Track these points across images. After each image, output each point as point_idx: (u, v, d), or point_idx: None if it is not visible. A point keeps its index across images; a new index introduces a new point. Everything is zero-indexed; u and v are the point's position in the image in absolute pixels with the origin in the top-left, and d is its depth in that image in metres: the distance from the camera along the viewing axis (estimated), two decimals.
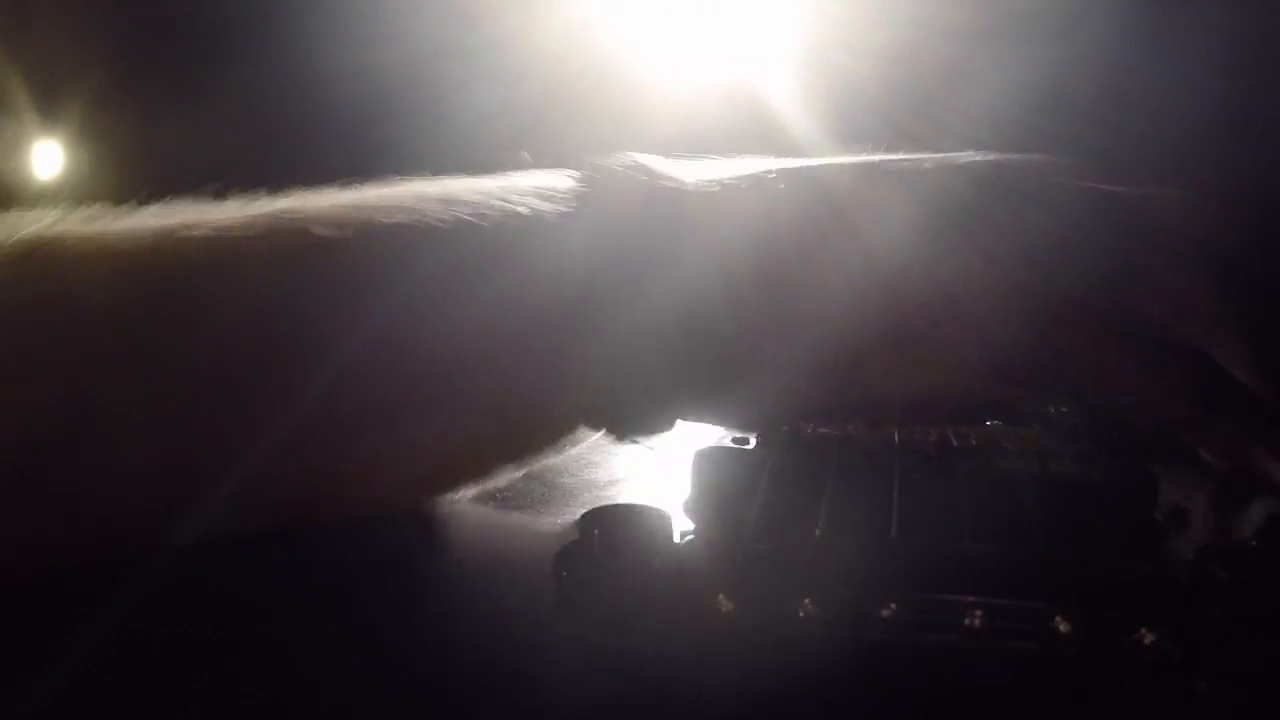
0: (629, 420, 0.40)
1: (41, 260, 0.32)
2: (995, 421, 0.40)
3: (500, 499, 0.41)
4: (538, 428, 0.41)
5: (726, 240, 0.40)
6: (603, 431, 0.41)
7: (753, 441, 0.35)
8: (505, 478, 0.43)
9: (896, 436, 0.36)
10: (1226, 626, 0.22)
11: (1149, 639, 0.22)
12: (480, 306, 0.35)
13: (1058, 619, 0.23)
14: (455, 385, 0.36)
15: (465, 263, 0.36)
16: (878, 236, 0.43)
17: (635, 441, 0.42)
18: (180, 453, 0.32)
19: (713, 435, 0.37)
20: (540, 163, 0.42)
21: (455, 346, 0.35)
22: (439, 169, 0.39)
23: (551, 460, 0.45)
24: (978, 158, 0.45)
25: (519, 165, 0.38)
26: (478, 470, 0.40)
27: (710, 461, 0.34)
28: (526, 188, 0.38)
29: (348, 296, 0.34)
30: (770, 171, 0.42)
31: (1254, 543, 0.28)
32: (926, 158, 0.45)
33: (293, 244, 0.34)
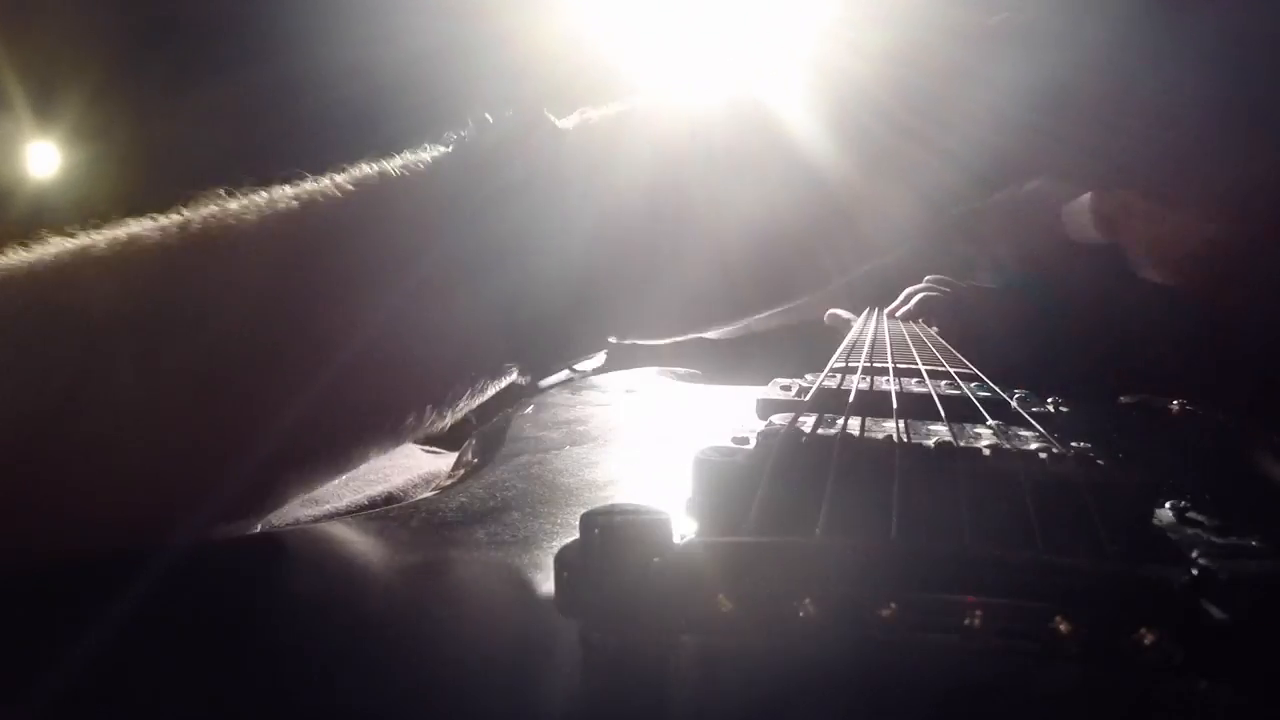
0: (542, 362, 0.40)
1: (43, 262, 0.32)
2: (995, 421, 0.40)
3: (499, 498, 0.41)
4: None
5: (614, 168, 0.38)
6: (517, 376, 0.40)
7: (752, 441, 0.35)
8: (498, 477, 0.43)
9: (896, 436, 0.36)
10: (1226, 626, 0.22)
11: (1149, 639, 0.22)
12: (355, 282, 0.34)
13: (1058, 619, 0.23)
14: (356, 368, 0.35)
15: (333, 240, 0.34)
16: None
17: (567, 370, 0.43)
18: (180, 452, 0.32)
19: (711, 437, 0.37)
20: None
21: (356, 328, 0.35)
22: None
23: (551, 460, 0.45)
24: None
25: None
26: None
27: (709, 462, 0.34)
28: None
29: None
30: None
31: (1254, 542, 0.28)
32: None
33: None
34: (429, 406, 0.38)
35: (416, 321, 0.35)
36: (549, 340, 0.39)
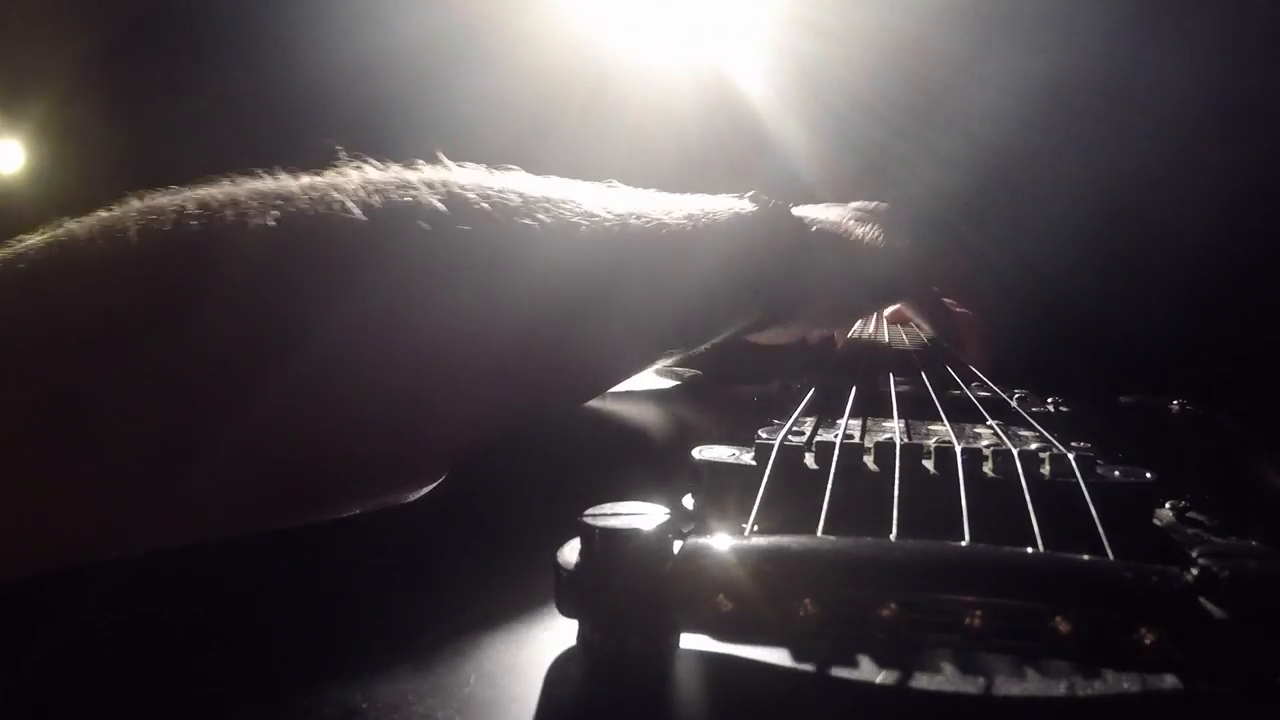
0: None
1: (27, 251, 0.32)
2: (996, 421, 0.40)
3: (500, 498, 0.41)
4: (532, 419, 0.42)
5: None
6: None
7: (753, 445, 0.35)
8: (504, 475, 0.43)
9: (896, 436, 0.36)
10: (1226, 626, 0.22)
11: (1149, 639, 0.22)
12: (482, 300, 0.36)
13: (1058, 619, 0.22)
14: (454, 382, 0.37)
15: (470, 255, 0.36)
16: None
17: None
18: (174, 446, 0.32)
19: (713, 436, 0.37)
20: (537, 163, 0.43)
21: (457, 341, 0.36)
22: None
23: (551, 459, 0.45)
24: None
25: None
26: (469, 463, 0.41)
27: (709, 462, 0.34)
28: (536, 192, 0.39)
29: (351, 285, 0.34)
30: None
31: (1254, 542, 0.28)
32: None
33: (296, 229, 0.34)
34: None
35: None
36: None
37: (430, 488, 0.41)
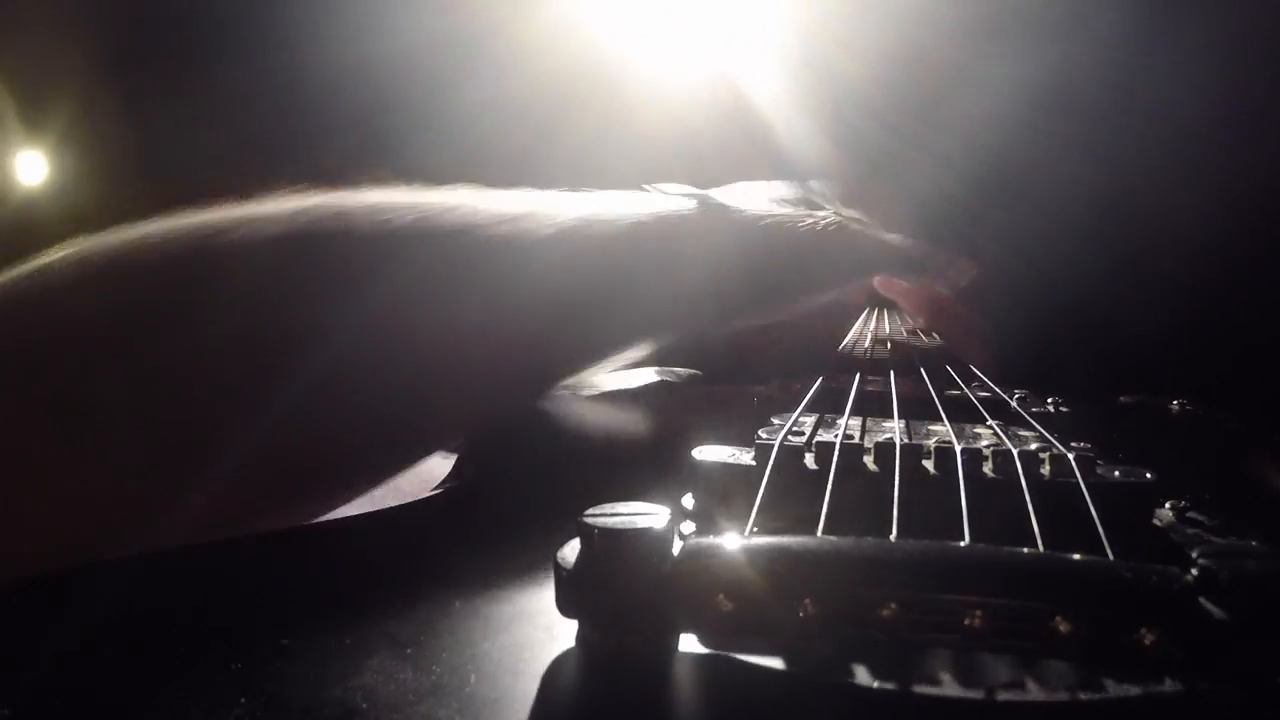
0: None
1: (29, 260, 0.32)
2: (996, 421, 0.40)
3: (500, 498, 0.41)
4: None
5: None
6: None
7: (753, 445, 0.35)
8: (504, 475, 0.43)
9: (896, 436, 0.36)
10: (1226, 626, 0.22)
11: (1149, 639, 0.22)
12: (470, 308, 0.37)
13: (1058, 619, 0.22)
14: (445, 384, 0.37)
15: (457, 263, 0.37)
16: None
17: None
18: (168, 450, 0.32)
19: (712, 437, 0.37)
20: (523, 163, 0.43)
21: (445, 346, 0.36)
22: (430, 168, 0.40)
23: (551, 459, 0.45)
24: None
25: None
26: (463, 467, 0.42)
27: (709, 462, 0.34)
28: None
29: (345, 290, 0.34)
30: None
31: (1254, 542, 0.28)
32: None
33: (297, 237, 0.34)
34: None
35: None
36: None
37: (430, 489, 0.41)
